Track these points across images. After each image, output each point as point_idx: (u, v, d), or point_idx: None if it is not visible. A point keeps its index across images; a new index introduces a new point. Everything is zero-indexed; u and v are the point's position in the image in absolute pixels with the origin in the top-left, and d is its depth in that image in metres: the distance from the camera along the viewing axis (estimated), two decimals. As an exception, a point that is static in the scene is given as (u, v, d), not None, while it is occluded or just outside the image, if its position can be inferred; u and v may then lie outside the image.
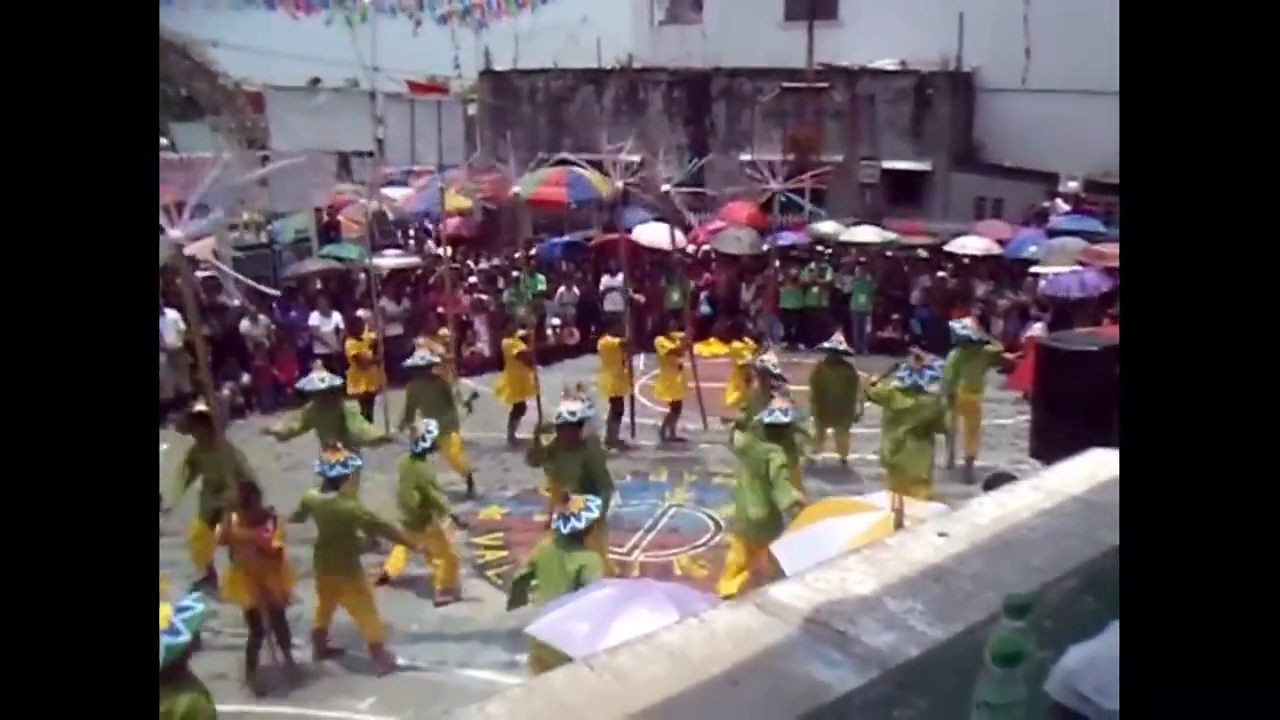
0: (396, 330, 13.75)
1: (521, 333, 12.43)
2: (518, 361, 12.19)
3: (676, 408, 12.46)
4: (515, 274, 17.03)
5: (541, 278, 16.91)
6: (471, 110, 25.01)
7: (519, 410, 12.25)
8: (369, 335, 12.27)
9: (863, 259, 17.58)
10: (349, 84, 24.39)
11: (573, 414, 8.17)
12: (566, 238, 19.32)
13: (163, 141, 30.87)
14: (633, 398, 12.39)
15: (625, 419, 12.37)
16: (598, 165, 13.02)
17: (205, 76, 15.67)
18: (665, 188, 11.94)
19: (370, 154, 22.36)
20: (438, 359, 10.82)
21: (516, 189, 12.85)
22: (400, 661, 7.46)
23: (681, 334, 12.52)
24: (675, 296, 16.22)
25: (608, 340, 12.48)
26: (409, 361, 10.62)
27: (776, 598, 2.41)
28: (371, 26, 18.69)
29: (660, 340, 12.47)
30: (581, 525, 6.31)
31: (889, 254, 17.90)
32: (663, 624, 2.53)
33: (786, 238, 18.03)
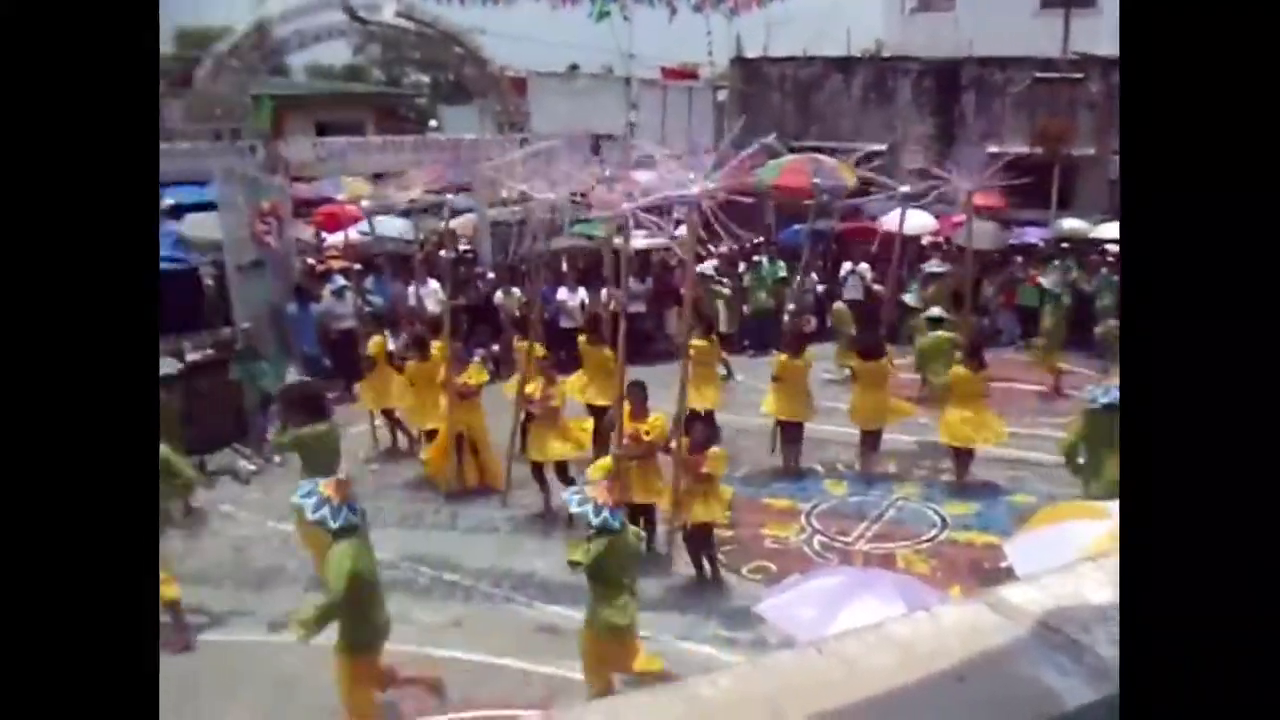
0: (639, 307, 14.18)
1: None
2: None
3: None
4: (756, 259, 17.07)
5: (783, 264, 16.80)
6: (721, 96, 25.18)
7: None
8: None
9: (1110, 258, 16.41)
10: (605, 70, 25.10)
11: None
12: (810, 225, 19.14)
13: (431, 123, 32.70)
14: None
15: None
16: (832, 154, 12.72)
17: (474, 63, 16.54)
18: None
19: (617, 138, 22.92)
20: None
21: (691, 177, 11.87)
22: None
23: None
24: (914, 290, 15.88)
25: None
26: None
27: (1008, 599, 2.41)
28: (628, 14, 19.15)
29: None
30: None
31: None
32: (890, 615, 2.57)
33: (1030, 234, 17.20)
